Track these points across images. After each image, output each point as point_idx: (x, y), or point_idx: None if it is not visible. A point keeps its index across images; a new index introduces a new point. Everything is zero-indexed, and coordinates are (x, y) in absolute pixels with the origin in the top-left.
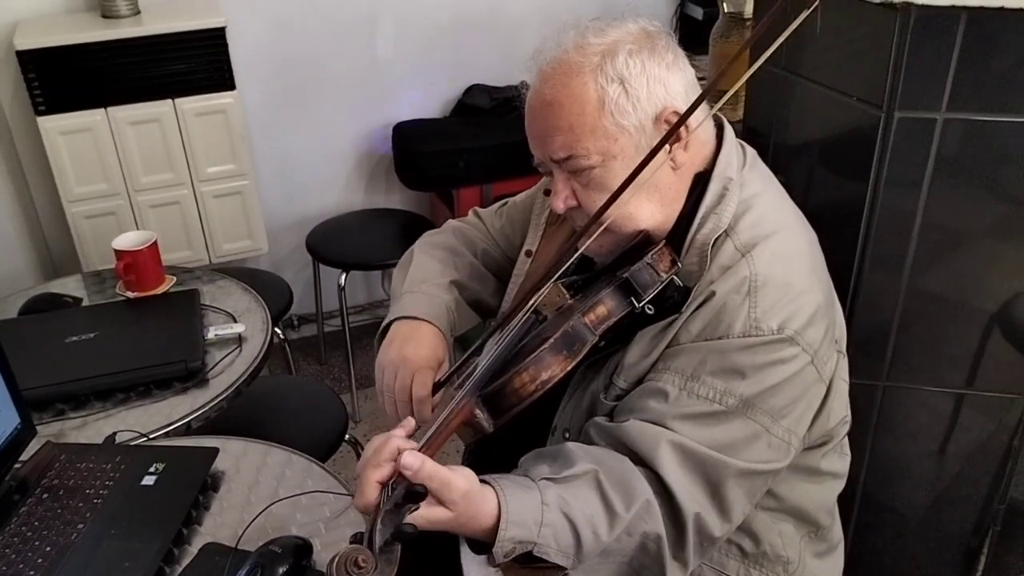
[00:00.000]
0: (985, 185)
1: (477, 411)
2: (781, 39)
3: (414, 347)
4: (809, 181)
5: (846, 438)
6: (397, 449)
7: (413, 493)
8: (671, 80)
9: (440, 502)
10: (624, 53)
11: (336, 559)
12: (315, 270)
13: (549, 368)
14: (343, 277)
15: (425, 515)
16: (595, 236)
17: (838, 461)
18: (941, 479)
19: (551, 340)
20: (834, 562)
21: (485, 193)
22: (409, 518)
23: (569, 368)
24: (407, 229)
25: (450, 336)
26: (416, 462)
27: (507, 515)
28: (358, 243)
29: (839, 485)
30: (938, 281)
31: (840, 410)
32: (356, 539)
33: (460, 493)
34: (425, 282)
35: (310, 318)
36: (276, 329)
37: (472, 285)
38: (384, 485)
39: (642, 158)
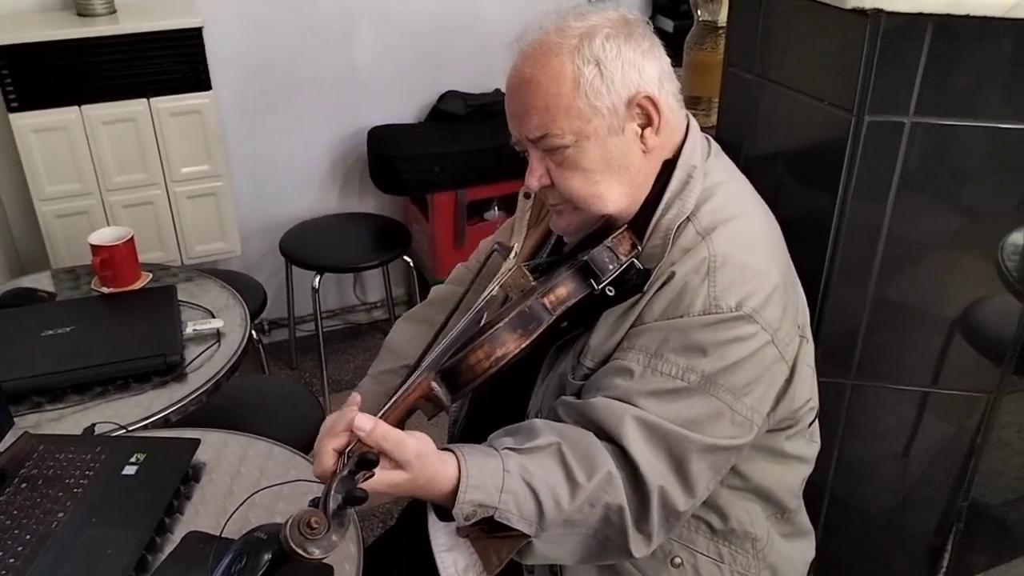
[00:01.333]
0: (947, 199)
1: (434, 385)
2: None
3: None
4: (779, 192)
5: (816, 425)
6: (349, 419)
7: (365, 460)
8: (646, 66)
9: (396, 464)
10: (601, 36)
11: (290, 520)
12: (288, 273)
13: (504, 345)
14: (317, 279)
15: (383, 478)
16: (563, 213)
17: (805, 447)
18: (905, 481)
19: (507, 318)
20: (802, 547)
21: (460, 198)
22: (367, 484)
23: (524, 346)
24: (381, 233)
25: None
26: (368, 424)
27: (467, 478)
28: (332, 246)
29: (805, 470)
30: (902, 290)
31: (804, 394)
32: (314, 503)
33: (414, 453)
34: (382, 368)
35: (281, 323)
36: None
37: None
38: (340, 453)
39: (614, 139)
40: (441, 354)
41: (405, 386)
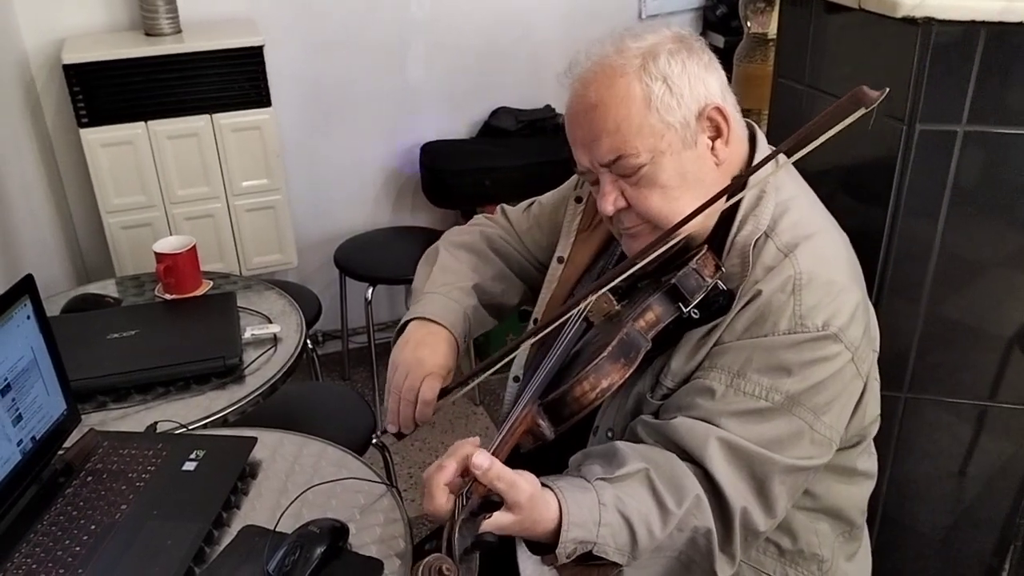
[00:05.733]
0: (1001, 213)
1: (540, 420)
2: (830, 133)
3: (429, 351)
4: (830, 205)
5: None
6: (464, 456)
7: (489, 502)
8: (709, 79)
9: (507, 506)
10: (665, 54)
11: (420, 567)
12: (342, 285)
13: (609, 376)
14: (370, 291)
15: (492, 522)
16: (640, 236)
17: (868, 460)
18: (962, 500)
19: (609, 348)
20: (863, 566)
21: None
22: (483, 526)
23: (627, 375)
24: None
25: (463, 342)
26: (486, 461)
27: (568, 517)
28: (385, 259)
29: (871, 485)
30: (956, 307)
31: (874, 409)
32: (431, 547)
33: (526, 496)
34: (447, 284)
35: (334, 334)
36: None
37: (493, 289)
38: (455, 492)
39: (688, 152)
40: (540, 387)
41: (510, 423)
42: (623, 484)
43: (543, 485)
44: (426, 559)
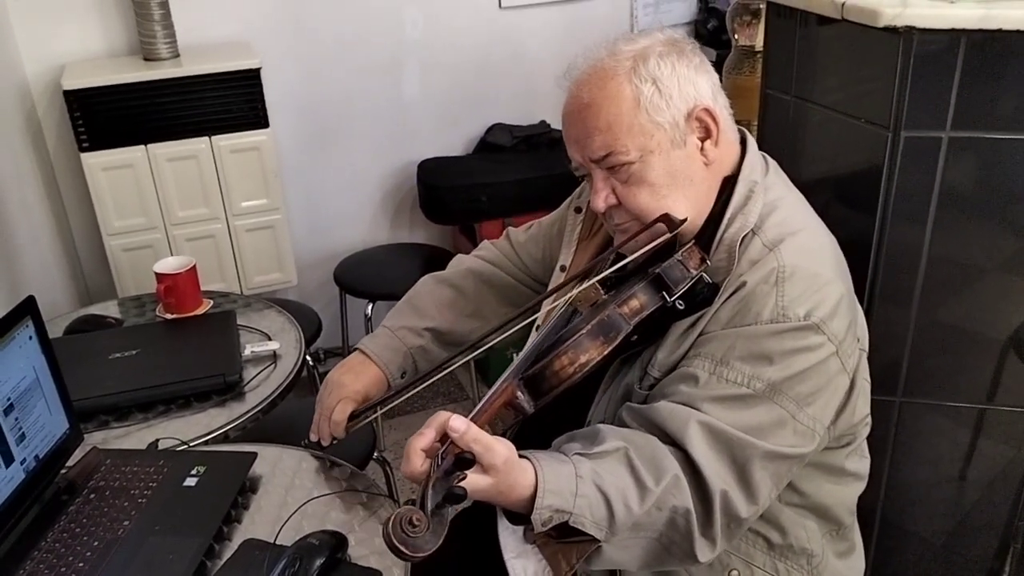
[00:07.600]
0: (990, 219)
1: (519, 392)
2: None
3: (353, 378)
4: (821, 218)
5: (865, 441)
6: (443, 422)
7: (462, 460)
8: (699, 80)
9: (483, 468)
10: (655, 56)
11: (392, 518)
12: (342, 302)
13: (587, 352)
14: (370, 308)
15: (469, 483)
16: (633, 234)
17: (860, 462)
18: (961, 505)
19: (589, 326)
20: (854, 564)
21: (506, 227)
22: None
23: (606, 353)
24: (431, 262)
25: (398, 378)
26: (462, 425)
27: (544, 483)
28: (384, 275)
29: (861, 486)
30: (949, 311)
31: (863, 408)
32: (409, 503)
33: (502, 459)
34: (401, 323)
35: (335, 352)
36: (306, 357)
37: (460, 328)
38: (432, 456)
39: (677, 152)
40: (523, 361)
41: (489, 394)
42: (601, 460)
43: (521, 456)
44: (398, 510)
